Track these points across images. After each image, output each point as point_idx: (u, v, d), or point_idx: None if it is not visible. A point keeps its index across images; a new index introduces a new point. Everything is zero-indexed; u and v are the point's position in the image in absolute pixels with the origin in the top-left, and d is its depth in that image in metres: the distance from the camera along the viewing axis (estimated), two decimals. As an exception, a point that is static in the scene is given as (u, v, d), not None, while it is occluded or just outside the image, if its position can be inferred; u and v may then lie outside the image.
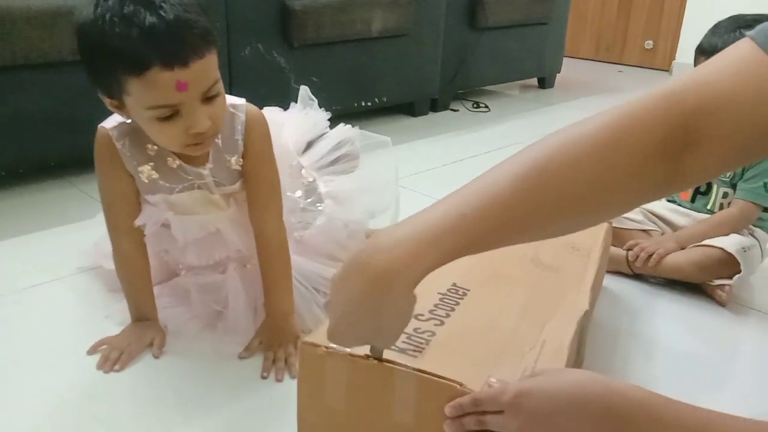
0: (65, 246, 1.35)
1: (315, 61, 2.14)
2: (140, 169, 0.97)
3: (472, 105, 2.79)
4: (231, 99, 0.99)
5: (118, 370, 0.97)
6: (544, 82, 3.27)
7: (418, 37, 2.44)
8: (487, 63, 2.83)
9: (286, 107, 1.36)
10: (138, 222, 1.01)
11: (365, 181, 1.30)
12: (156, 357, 1.01)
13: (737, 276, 1.22)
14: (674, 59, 3.70)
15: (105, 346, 1.01)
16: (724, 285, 1.22)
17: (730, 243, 1.25)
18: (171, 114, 0.85)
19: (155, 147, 0.96)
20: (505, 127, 2.54)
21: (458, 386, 0.69)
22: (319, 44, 2.13)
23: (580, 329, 0.87)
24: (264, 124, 1.02)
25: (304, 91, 1.37)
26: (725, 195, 1.36)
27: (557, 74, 3.31)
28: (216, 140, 0.97)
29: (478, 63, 2.78)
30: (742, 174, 1.33)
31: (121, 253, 1.03)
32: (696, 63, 1.33)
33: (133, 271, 1.04)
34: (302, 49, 2.08)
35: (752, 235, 1.30)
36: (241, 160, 1.00)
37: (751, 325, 1.20)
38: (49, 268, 1.27)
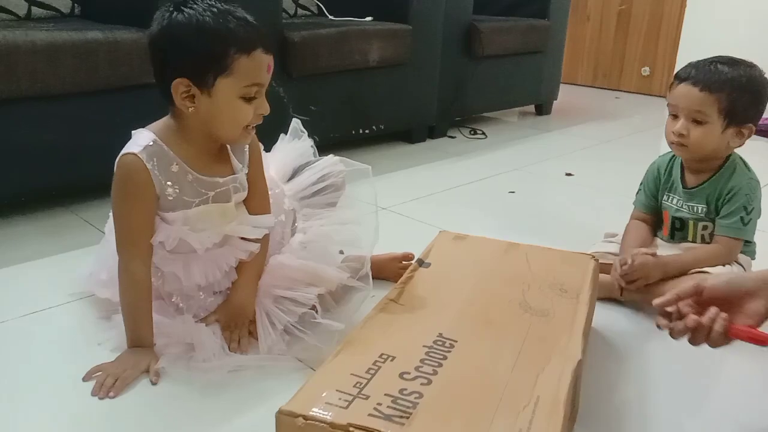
0: (62, 273, 1.37)
1: (313, 91, 2.18)
2: (168, 184, 1.05)
3: (469, 132, 2.82)
4: None
5: (112, 397, 0.99)
6: (541, 109, 3.31)
7: (415, 66, 2.49)
8: (483, 91, 2.87)
9: (284, 134, 1.40)
10: (158, 239, 1.07)
11: (343, 217, 1.33)
12: (154, 383, 1.02)
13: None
14: (670, 85, 3.74)
15: (100, 373, 1.02)
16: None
17: (723, 271, 1.27)
18: (253, 95, 1.01)
19: (177, 166, 1.06)
20: (502, 153, 2.57)
21: None
22: (317, 74, 2.18)
23: (575, 379, 0.85)
24: (257, 140, 1.18)
25: (295, 123, 1.41)
26: (705, 227, 1.38)
27: (554, 101, 3.35)
28: (231, 152, 1.13)
29: (475, 91, 2.82)
30: (717, 210, 1.35)
31: (131, 274, 1.06)
32: (670, 89, 1.36)
33: (140, 294, 1.06)
34: (301, 79, 2.12)
35: (737, 262, 1.32)
36: (247, 168, 1.15)
37: (737, 352, 1.20)
38: (46, 295, 1.29)
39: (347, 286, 1.25)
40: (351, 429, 0.70)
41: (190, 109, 1.01)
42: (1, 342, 1.14)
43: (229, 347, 1.10)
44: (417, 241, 1.26)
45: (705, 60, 1.33)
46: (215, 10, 0.98)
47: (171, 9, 1.00)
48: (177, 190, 1.06)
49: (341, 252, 1.31)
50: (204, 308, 1.16)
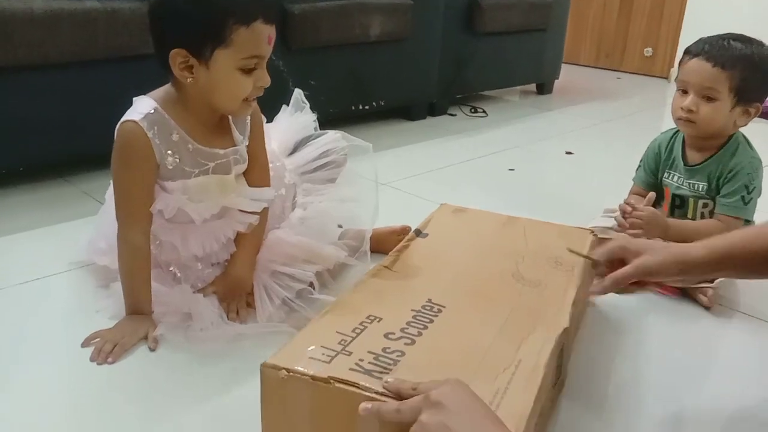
0: (60, 243, 1.37)
1: (313, 64, 2.17)
2: (168, 153, 1.04)
3: (470, 110, 2.81)
4: None
5: (111, 363, 0.99)
6: (543, 88, 3.29)
7: (416, 41, 2.47)
8: (485, 68, 2.85)
9: (286, 105, 1.40)
10: (157, 207, 1.06)
11: (342, 194, 1.33)
12: (152, 349, 1.03)
13: (719, 279, 1.23)
14: (673, 67, 3.72)
15: (98, 339, 1.03)
16: (707, 288, 1.24)
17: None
18: (253, 67, 1.00)
19: (177, 135, 1.05)
20: (502, 131, 2.56)
21: None
22: (317, 48, 2.16)
23: (560, 347, 0.86)
24: (259, 111, 1.16)
25: (297, 94, 1.40)
26: (705, 205, 1.38)
27: (556, 80, 3.33)
28: (231, 123, 1.11)
29: (476, 68, 2.80)
30: (718, 189, 1.35)
31: (130, 242, 1.06)
32: (680, 63, 1.35)
33: (139, 261, 1.07)
34: (301, 52, 2.11)
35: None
36: (247, 141, 1.14)
37: (735, 327, 1.21)
38: (44, 263, 1.29)
39: (346, 263, 1.25)
40: (331, 382, 0.72)
41: (188, 80, 1.00)
42: (0, 310, 1.14)
43: (227, 317, 1.11)
44: (415, 216, 1.26)
45: (717, 36, 1.31)
46: None
47: None
48: (177, 160, 1.05)
49: (340, 226, 1.31)
50: (202, 279, 1.16)
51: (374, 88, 2.40)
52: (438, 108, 2.71)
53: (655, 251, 0.89)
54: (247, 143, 1.15)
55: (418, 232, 1.15)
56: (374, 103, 2.41)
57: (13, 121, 1.57)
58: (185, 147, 1.06)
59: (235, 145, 1.12)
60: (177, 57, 0.98)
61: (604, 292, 0.91)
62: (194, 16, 0.96)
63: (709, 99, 1.30)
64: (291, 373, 0.73)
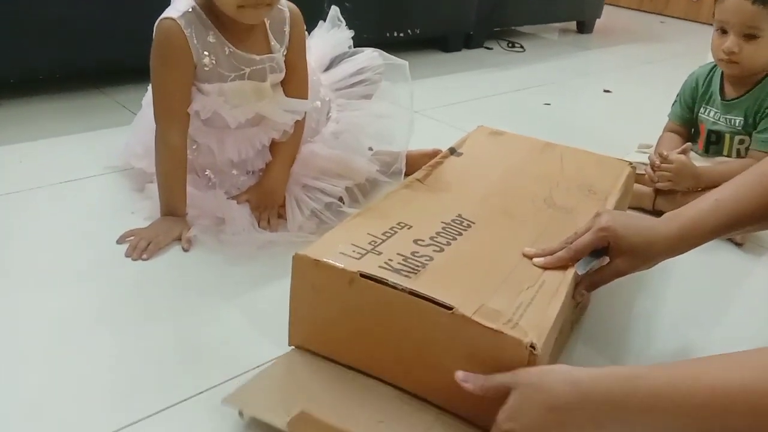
0: (96, 148, 1.39)
1: (350, -13, 2.12)
2: (204, 53, 1.03)
3: (507, 44, 2.74)
4: None
5: (146, 259, 1.02)
6: (583, 27, 3.19)
7: (456, -31, 2.39)
8: (524, 2, 2.77)
9: (322, 21, 1.38)
10: (194, 107, 1.06)
11: (377, 109, 1.32)
12: (186, 250, 1.05)
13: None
14: (721, 12, 3.58)
15: (133, 237, 1.05)
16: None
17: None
18: None
19: (214, 37, 1.04)
20: (540, 67, 2.50)
21: (448, 311, 0.68)
22: (355, -31, 2.10)
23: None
24: (302, 20, 1.15)
25: (334, 11, 1.38)
26: (741, 141, 1.36)
27: (597, 20, 3.23)
28: (269, 31, 1.10)
29: (516, 1, 2.72)
30: (755, 124, 1.32)
31: (167, 142, 1.07)
32: (717, 3, 1.31)
33: (175, 162, 1.08)
34: (338, -27, 2.06)
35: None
36: (286, 50, 1.12)
37: (764, 264, 1.20)
38: (80, 166, 1.32)
39: (377, 180, 1.25)
40: (360, 276, 0.73)
41: None
42: (36, 206, 1.17)
43: (259, 225, 1.12)
44: (449, 144, 1.24)
45: None
46: None
47: None
48: (213, 61, 1.05)
49: (370, 149, 1.30)
50: (236, 186, 1.17)
51: (410, 15, 2.35)
52: (474, 40, 2.65)
53: (636, 256, 0.82)
54: (285, 52, 1.13)
55: (453, 151, 1.14)
56: (410, 31, 2.36)
57: (51, 24, 1.57)
58: (222, 49, 1.05)
59: (271, 53, 1.11)
60: None
61: (587, 292, 0.86)
62: None
63: (751, 37, 1.27)
64: (322, 262, 0.75)
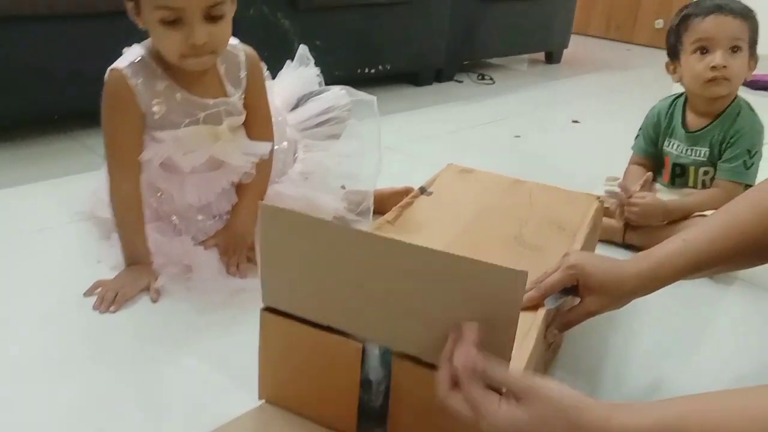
0: (64, 195, 1.37)
1: (320, 25, 2.14)
2: (154, 102, 1.02)
3: (477, 77, 2.78)
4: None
5: (113, 311, 1.00)
6: (551, 57, 3.25)
7: (425, 5, 2.43)
8: (493, 35, 2.82)
9: (290, 60, 1.39)
10: (145, 156, 1.05)
11: (344, 149, 1.32)
12: (154, 301, 1.03)
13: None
14: (684, 39, 3.68)
15: (100, 288, 1.03)
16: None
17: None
18: (174, 19, 0.94)
19: (164, 83, 1.03)
20: (510, 99, 2.54)
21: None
22: (324, 8, 2.13)
23: (555, 311, 0.85)
24: (260, 62, 1.13)
25: (302, 50, 1.39)
26: (706, 173, 1.38)
27: (564, 50, 3.29)
28: (222, 75, 1.09)
29: (485, 35, 2.77)
30: (720, 154, 1.34)
31: (119, 192, 1.06)
32: (686, 27, 1.33)
33: (130, 210, 1.07)
34: (307, 12, 2.08)
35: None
36: (244, 93, 1.11)
37: (734, 293, 1.21)
38: (48, 214, 1.30)
39: (345, 219, 1.25)
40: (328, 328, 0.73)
41: (141, 27, 0.99)
42: (4, 257, 1.15)
43: (227, 271, 1.11)
44: (420, 180, 1.24)
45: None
46: None
47: None
48: (164, 109, 1.04)
49: (343, 187, 1.30)
50: (203, 231, 1.16)
51: (381, 51, 2.37)
52: (445, 74, 2.68)
53: (605, 294, 0.83)
54: (243, 95, 1.12)
55: (423, 190, 1.15)
56: (381, 67, 2.39)
57: (19, 71, 1.56)
58: (173, 95, 1.04)
59: (226, 96, 1.10)
60: (127, 4, 0.98)
61: (559, 332, 0.85)
62: None
63: (735, 51, 1.30)
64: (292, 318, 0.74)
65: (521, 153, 1.94)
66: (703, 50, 1.31)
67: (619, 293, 0.84)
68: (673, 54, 1.39)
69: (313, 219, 0.70)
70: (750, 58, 1.33)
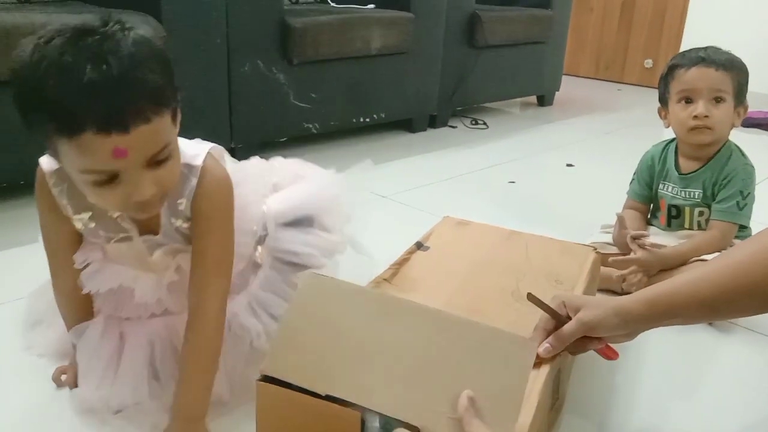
0: (12, 268, 1.33)
1: (314, 78, 2.17)
2: (76, 217, 0.87)
3: (471, 122, 2.81)
4: (192, 150, 0.87)
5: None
6: (543, 100, 3.30)
7: (417, 54, 2.47)
8: (485, 81, 2.86)
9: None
10: (78, 263, 0.92)
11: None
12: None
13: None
14: (673, 78, 3.74)
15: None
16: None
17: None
18: (109, 179, 0.73)
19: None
20: (503, 143, 2.56)
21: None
22: (318, 61, 2.17)
23: (555, 371, 0.85)
24: (220, 192, 0.88)
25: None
26: (701, 213, 1.40)
27: (556, 92, 3.34)
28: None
29: (477, 81, 2.81)
30: (713, 195, 1.36)
31: (59, 287, 0.96)
32: (672, 78, 1.38)
33: (72, 305, 0.97)
34: (302, 65, 2.11)
35: (734, 247, 1.33)
36: (187, 223, 0.89)
37: (735, 341, 1.21)
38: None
39: None
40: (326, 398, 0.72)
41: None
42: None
43: None
44: (416, 229, 1.25)
45: (696, 48, 1.37)
46: (64, 61, 0.67)
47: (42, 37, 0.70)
48: (90, 225, 0.88)
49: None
50: (146, 331, 0.97)
51: (375, 100, 2.41)
52: (439, 120, 2.72)
53: (593, 306, 0.84)
54: (184, 223, 0.89)
55: (419, 245, 1.15)
56: (375, 116, 2.42)
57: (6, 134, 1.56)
58: (105, 211, 0.87)
59: (157, 231, 0.89)
60: (48, 146, 0.76)
61: (553, 352, 0.83)
62: (20, 110, 0.72)
63: (718, 101, 1.33)
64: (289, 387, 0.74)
65: (517, 199, 1.95)
66: (687, 100, 1.36)
67: (606, 304, 0.85)
68: (663, 101, 1.43)
69: (348, 285, 0.73)
70: (738, 107, 1.36)
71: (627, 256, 1.31)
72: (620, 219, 1.37)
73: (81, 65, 0.67)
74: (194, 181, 0.85)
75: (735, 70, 1.33)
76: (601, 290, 1.31)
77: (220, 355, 0.90)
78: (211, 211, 0.87)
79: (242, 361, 0.97)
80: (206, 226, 0.88)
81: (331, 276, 0.70)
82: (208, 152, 0.88)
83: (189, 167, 0.85)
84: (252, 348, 0.97)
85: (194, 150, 0.87)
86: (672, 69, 1.38)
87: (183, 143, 0.84)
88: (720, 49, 1.37)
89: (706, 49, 1.36)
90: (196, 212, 0.87)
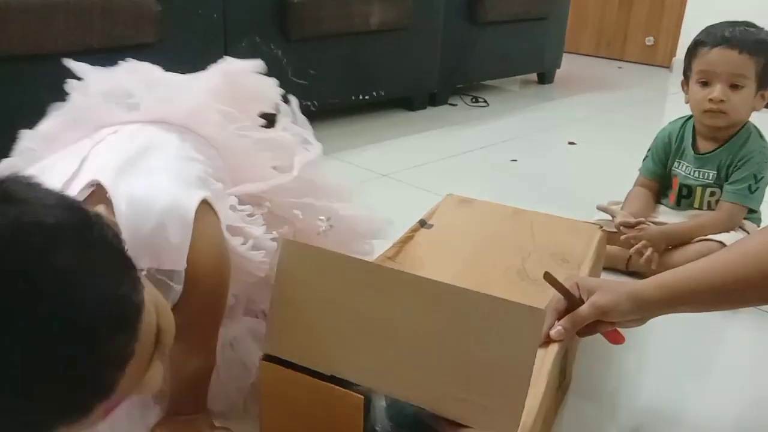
0: None
1: (312, 54, 2.14)
2: None
3: (471, 100, 2.78)
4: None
5: None
6: (544, 78, 3.26)
7: (417, 31, 2.43)
8: (486, 58, 2.82)
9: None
10: None
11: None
12: None
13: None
14: (675, 56, 3.69)
15: None
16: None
17: (729, 237, 1.25)
18: None
19: None
20: (503, 122, 2.53)
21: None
22: (316, 37, 2.13)
23: (563, 351, 0.84)
24: (210, 281, 0.75)
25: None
26: (712, 194, 1.37)
27: (557, 70, 3.30)
28: None
29: (477, 58, 2.77)
30: (727, 176, 1.34)
31: None
32: (694, 56, 1.33)
33: None
34: (300, 42, 2.08)
35: (743, 228, 1.31)
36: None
37: (743, 319, 1.20)
38: None
39: None
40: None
41: None
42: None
43: None
44: (418, 207, 1.23)
45: (726, 23, 1.31)
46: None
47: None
48: None
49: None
50: None
51: (374, 78, 2.37)
52: (439, 98, 2.68)
53: (608, 289, 0.83)
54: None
55: (423, 223, 1.13)
56: (374, 93, 2.38)
57: (7, 112, 1.54)
58: None
59: None
60: None
61: (567, 336, 0.81)
62: None
63: (736, 86, 1.29)
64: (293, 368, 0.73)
65: (520, 177, 1.93)
66: (705, 83, 1.32)
67: (620, 288, 0.84)
68: (686, 76, 1.38)
69: (337, 255, 0.71)
70: (763, 89, 1.30)
71: (637, 233, 1.29)
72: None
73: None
74: (178, 289, 0.72)
75: (761, 53, 1.27)
76: (606, 269, 1.29)
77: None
78: (201, 305, 0.75)
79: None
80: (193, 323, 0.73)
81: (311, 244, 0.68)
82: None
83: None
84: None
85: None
86: (696, 45, 1.33)
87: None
88: (753, 27, 1.30)
89: (735, 26, 1.29)
90: (184, 299, 0.73)
